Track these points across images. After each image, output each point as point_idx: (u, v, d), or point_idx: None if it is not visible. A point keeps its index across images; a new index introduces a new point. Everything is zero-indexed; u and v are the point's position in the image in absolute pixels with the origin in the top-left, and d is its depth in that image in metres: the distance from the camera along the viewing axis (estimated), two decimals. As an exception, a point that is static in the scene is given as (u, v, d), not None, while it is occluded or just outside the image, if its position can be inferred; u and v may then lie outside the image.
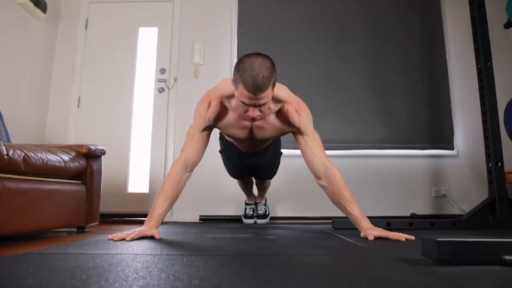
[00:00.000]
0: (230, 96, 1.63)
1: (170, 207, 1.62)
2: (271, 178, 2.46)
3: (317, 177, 1.70)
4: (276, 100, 1.64)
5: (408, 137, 3.17)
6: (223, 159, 2.28)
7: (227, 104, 1.67)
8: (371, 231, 1.54)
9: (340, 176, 1.65)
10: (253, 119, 1.54)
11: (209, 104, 1.67)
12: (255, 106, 1.47)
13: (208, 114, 1.67)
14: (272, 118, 1.71)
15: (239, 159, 2.16)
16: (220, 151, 2.26)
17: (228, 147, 2.15)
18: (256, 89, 1.40)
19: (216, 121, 1.71)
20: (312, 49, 3.29)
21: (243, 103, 1.47)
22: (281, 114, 1.69)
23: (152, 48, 3.39)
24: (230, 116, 1.70)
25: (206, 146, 1.73)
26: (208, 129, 1.72)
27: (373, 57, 3.27)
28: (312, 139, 1.71)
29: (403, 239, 1.48)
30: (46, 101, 3.26)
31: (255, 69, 1.40)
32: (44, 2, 3.05)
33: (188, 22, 3.38)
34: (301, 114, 1.69)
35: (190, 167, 1.67)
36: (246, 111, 1.50)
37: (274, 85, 1.48)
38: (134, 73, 3.35)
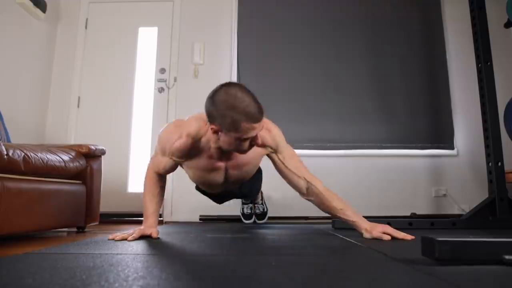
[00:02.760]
0: (201, 137, 1.49)
1: (160, 203, 1.64)
2: (256, 196, 2.38)
3: (301, 193, 1.64)
4: None
5: (408, 136, 3.17)
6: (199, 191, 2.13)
7: (198, 144, 1.51)
8: (379, 229, 1.51)
9: (323, 188, 1.59)
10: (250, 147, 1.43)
11: (176, 140, 1.49)
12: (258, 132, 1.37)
13: (173, 149, 1.51)
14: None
15: (215, 196, 2.05)
16: (196, 188, 2.10)
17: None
18: (260, 114, 1.31)
19: (180, 159, 1.56)
20: (312, 49, 3.29)
21: (246, 138, 1.35)
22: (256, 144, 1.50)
23: (152, 48, 3.38)
24: (200, 158, 1.55)
25: (177, 167, 1.64)
26: (172, 161, 1.58)
27: (373, 57, 3.27)
28: (288, 155, 1.61)
29: (409, 238, 1.47)
30: (46, 101, 3.26)
31: (244, 99, 1.30)
32: (44, 2, 3.04)
33: (188, 21, 3.38)
34: (271, 131, 1.57)
35: (164, 175, 1.66)
36: (244, 145, 1.38)
37: None
38: (134, 73, 3.34)
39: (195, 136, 1.48)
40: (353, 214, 1.59)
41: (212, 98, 1.34)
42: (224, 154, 1.53)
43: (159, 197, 1.64)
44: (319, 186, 1.59)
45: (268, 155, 1.65)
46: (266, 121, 1.56)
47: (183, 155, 1.54)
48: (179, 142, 1.48)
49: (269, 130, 1.57)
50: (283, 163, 1.60)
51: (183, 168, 1.72)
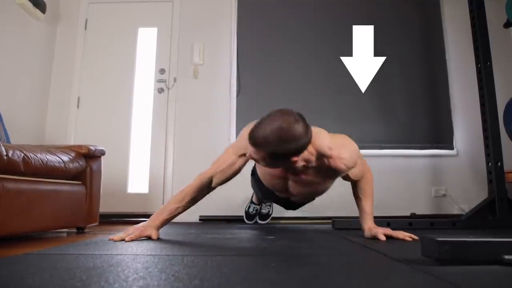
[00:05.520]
0: None
1: (177, 215, 1.57)
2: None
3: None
4: (316, 153, 1.44)
5: (408, 137, 3.17)
6: (252, 181, 2.10)
7: None
8: (379, 230, 1.54)
9: (370, 176, 1.67)
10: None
11: None
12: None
13: None
14: (312, 172, 1.53)
15: (270, 195, 1.98)
16: (252, 174, 2.05)
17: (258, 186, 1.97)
18: (254, 143, 1.29)
19: None
20: (312, 49, 3.29)
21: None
22: (323, 168, 1.50)
23: (152, 49, 3.38)
24: None
25: (237, 173, 1.58)
26: (243, 159, 1.56)
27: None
28: (355, 170, 1.57)
29: (409, 239, 1.48)
30: (45, 101, 3.26)
31: (265, 123, 1.28)
32: (43, 3, 3.04)
33: (188, 22, 3.38)
34: (343, 157, 1.49)
35: (215, 185, 1.57)
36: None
37: (280, 155, 1.31)
38: (134, 73, 3.34)
39: None
40: (370, 209, 1.64)
41: (277, 110, 1.34)
42: (290, 167, 1.48)
43: (184, 210, 1.56)
44: (368, 176, 1.65)
45: None
46: (337, 144, 1.50)
47: None
48: None
49: (340, 158, 1.48)
50: (351, 176, 1.61)
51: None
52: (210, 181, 1.55)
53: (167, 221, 1.56)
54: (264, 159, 1.33)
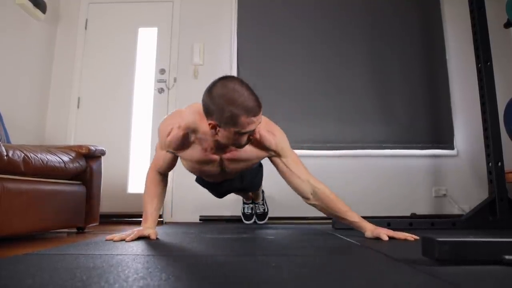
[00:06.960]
0: (196, 130, 1.47)
1: (160, 204, 1.63)
2: (257, 190, 2.38)
3: (305, 197, 1.61)
4: None
5: (408, 137, 3.17)
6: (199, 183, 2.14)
7: (191, 136, 1.50)
8: (381, 230, 1.53)
9: (329, 191, 1.59)
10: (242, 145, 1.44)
11: (169, 132, 1.50)
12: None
13: (167, 141, 1.52)
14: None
15: (215, 188, 2.03)
16: (196, 180, 2.10)
17: (200, 178, 2.01)
18: (258, 107, 1.31)
19: (175, 151, 1.57)
20: (312, 49, 3.29)
21: (245, 132, 1.34)
22: (253, 139, 1.50)
23: (152, 49, 3.38)
24: (194, 150, 1.54)
25: (175, 161, 1.64)
26: (172, 152, 1.59)
27: (373, 57, 3.27)
28: (291, 160, 1.59)
29: (411, 239, 1.47)
30: (45, 101, 3.26)
31: (243, 92, 1.28)
32: (44, 3, 3.04)
33: (188, 22, 3.38)
34: (275, 134, 1.56)
35: (164, 173, 1.66)
36: (242, 139, 1.38)
37: None
38: (134, 73, 3.34)
39: (188, 129, 1.48)
40: (356, 215, 1.61)
41: (210, 92, 1.32)
42: (220, 147, 1.52)
43: (160, 198, 1.64)
44: (326, 190, 1.58)
45: (270, 159, 1.63)
46: (270, 124, 1.59)
47: (176, 146, 1.54)
48: (172, 134, 1.50)
49: (273, 134, 1.56)
50: (288, 167, 1.59)
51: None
52: (159, 174, 1.64)
53: (155, 214, 1.61)
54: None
